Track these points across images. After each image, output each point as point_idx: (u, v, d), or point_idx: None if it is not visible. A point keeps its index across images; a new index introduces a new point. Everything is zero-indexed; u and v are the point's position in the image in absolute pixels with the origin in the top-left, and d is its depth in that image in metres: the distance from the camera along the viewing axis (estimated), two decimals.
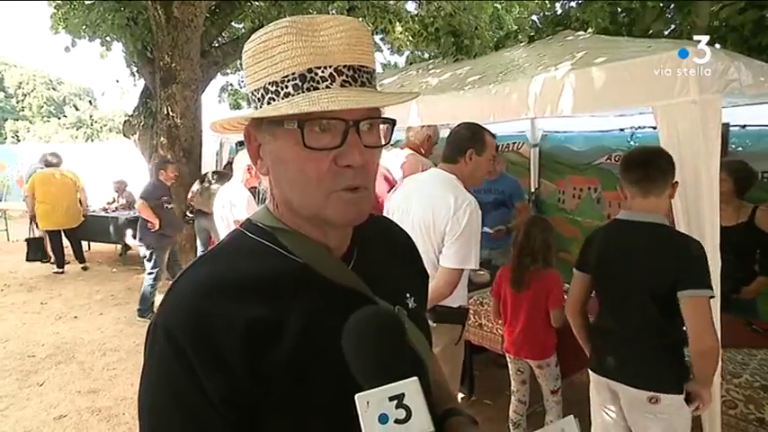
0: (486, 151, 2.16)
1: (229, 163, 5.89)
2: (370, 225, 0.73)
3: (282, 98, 0.63)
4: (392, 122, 0.69)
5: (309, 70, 0.61)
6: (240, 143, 6.19)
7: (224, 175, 5.38)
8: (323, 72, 0.61)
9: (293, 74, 0.62)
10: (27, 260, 7.13)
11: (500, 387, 2.92)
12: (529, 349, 2.47)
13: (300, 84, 0.62)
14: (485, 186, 3.98)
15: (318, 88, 0.62)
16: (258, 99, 0.66)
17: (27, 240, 7.17)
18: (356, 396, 0.54)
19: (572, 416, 0.62)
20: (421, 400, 0.54)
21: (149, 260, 5.02)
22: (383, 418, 0.53)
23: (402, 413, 0.53)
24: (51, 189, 6.71)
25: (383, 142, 0.69)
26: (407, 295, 0.80)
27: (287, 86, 0.62)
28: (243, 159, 3.71)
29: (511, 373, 2.60)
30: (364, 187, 0.66)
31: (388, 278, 0.76)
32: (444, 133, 3.51)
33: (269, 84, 0.64)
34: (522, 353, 2.50)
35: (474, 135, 2.15)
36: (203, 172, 5.62)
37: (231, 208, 3.52)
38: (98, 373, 3.75)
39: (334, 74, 0.62)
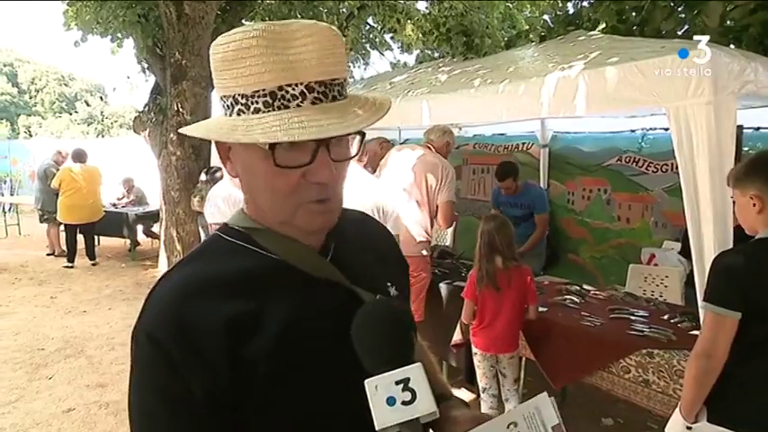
0: None
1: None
2: (343, 218, 0.74)
3: (252, 113, 0.62)
4: (362, 135, 0.68)
5: (280, 87, 0.60)
6: None
7: (215, 172, 5.55)
8: (293, 90, 0.60)
9: (264, 90, 0.61)
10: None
11: None
12: (509, 343, 2.61)
13: (271, 101, 0.61)
14: (510, 200, 4.05)
15: (289, 107, 0.61)
16: (228, 106, 0.65)
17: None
18: (366, 381, 0.58)
19: (545, 393, 0.62)
20: (425, 383, 0.58)
21: None
22: (391, 401, 0.57)
23: (408, 395, 0.57)
24: (80, 184, 6.79)
25: (352, 154, 0.68)
26: (388, 284, 0.81)
27: (257, 102, 0.61)
28: None
29: (482, 371, 2.65)
30: (332, 199, 0.67)
31: (368, 268, 0.77)
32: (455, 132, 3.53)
33: (238, 95, 0.63)
34: (504, 348, 2.60)
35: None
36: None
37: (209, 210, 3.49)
38: (106, 368, 3.78)
39: (305, 91, 0.61)
